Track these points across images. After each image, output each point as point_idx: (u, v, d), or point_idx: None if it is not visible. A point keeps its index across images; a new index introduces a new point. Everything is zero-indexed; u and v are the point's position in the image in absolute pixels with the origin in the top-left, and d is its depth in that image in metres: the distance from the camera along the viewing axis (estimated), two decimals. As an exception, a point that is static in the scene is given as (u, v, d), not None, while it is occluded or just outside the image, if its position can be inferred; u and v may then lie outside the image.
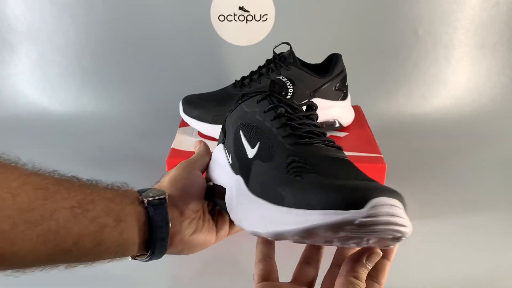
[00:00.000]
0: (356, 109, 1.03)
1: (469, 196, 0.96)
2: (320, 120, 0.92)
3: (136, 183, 0.91)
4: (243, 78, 0.93)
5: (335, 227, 0.36)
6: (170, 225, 0.49)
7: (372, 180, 0.41)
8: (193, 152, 0.86)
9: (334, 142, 0.49)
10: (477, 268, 0.76)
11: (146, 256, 0.50)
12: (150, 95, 1.33)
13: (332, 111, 0.93)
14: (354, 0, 1.31)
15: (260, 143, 0.49)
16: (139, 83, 1.35)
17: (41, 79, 1.36)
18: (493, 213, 0.91)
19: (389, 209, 0.36)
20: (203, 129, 0.92)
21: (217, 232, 0.56)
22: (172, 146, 0.88)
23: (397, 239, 0.38)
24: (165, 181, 0.54)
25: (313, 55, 0.95)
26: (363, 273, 0.43)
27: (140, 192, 0.51)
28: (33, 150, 1.14)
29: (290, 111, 0.52)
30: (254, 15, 1.02)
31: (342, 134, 0.94)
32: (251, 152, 0.49)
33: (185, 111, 0.93)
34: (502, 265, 0.78)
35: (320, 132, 0.50)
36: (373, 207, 0.36)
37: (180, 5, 1.31)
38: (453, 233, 0.85)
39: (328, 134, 0.93)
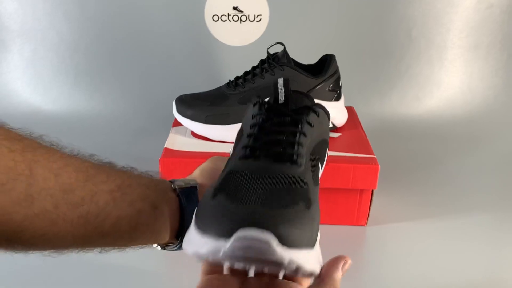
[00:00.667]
0: (350, 110, 1.03)
1: (462, 197, 0.97)
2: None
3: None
4: (237, 78, 0.93)
5: (213, 256, 0.35)
6: None
7: (282, 206, 0.38)
8: (186, 152, 0.86)
9: (290, 155, 0.44)
10: (470, 268, 0.76)
11: (176, 244, 0.50)
12: (144, 94, 1.33)
13: (325, 111, 0.94)
14: (348, 1, 1.31)
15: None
16: (132, 82, 1.34)
17: (33, 77, 1.35)
18: (485, 214, 0.91)
19: (250, 243, 0.34)
20: (196, 129, 0.91)
21: None
22: (165, 146, 0.88)
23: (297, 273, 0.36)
24: (196, 172, 0.54)
25: (307, 56, 0.95)
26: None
27: (172, 181, 0.51)
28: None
29: (269, 117, 0.48)
30: (248, 15, 1.02)
31: (335, 135, 0.94)
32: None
33: (178, 111, 0.93)
34: (495, 265, 0.78)
35: (286, 141, 0.45)
36: (236, 239, 0.34)
37: (174, 4, 1.30)
38: (446, 234, 0.85)
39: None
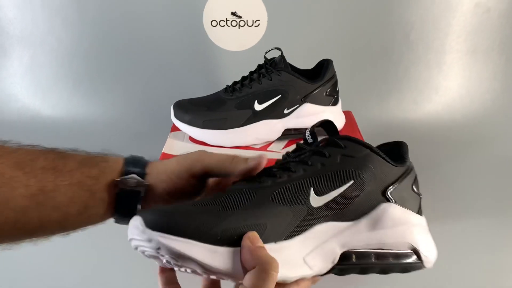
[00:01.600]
0: (347, 114, 1.04)
1: (460, 201, 0.97)
2: (311, 125, 0.93)
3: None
4: (235, 83, 0.93)
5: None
6: (139, 208, 0.50)
7: (194, 211, 0.44)
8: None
9: (256, 180, 0.50)
10: (467, 272, 0.76)
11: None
12: (142, 99, 1.33)
13: (323, 116, 0.94)
14: (345, 6, 1.31)
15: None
16: (131, 87, 1.35)
17: (32, 82, 1.35)
18: (483, 218, 0.91)
19: (130, 228, 0.43)
20: (194, 134, 0.92)
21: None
22: (163, 151, 0.88)
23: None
24: (166, 167, 0.53)
25: (305, 61, 0.96)
26: None
27: (128, 162, 0.51)
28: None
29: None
30: (247, 20, 1.02)
31: (333, 139, 0.94)
32: None
33: (176, 116, 0.93)
34: (492, 268, 0.78)
35: (272, 170, 0.51)
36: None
37: (173, 10, 1.31)
38: (443, 238, 0.85)
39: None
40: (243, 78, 0.93)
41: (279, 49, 0.91)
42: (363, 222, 0.51)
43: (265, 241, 0.45)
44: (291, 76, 0.89)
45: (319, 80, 0.92)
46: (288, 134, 0.93)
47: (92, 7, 1.31)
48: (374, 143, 0.95)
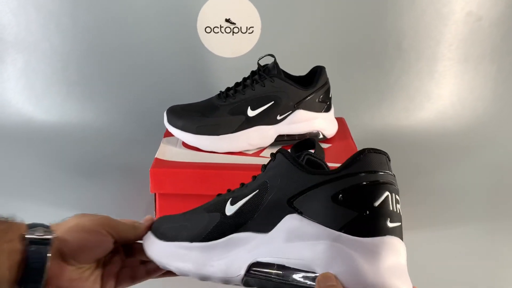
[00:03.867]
0: (340, 121, 1.04)
1: (451, 208, 0.97)
2: (303, 131, 0.94)
3: (120, 192, 0.92)
4: (228, 89, 0.94)
5: None
6: (47, 268, 0.47)
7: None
8: (177, 162, 0.87)
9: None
10: (459, 278, 0.77)
11: None
12: (135, 105, 1.33)
13: (315, 122, 0.94)
14: (338, 14, 1.33)
15: None
16: (124, 93, 1.35)
17: (26, 87, 1.35)
18: (474, 225, 0.92)
19: None
20: (187, 139, 0.92)
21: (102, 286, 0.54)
22: (156, 156, 0.88)
23: None
24: (69, 223, 0.52)
25: (298, 67, 0.96)
26: None
27: (30, 226, 0.49)
28: (17, 160, 1.14)
29: None
30: (241, 27, 1.03)
31: (325, 146, 0.95)
32: None
33: (169, 121, 0.93)
34: (484, 274, 0.79)
35: None
36: None
37: (167, 16, 1.31)
38: (434, 244, 0.86)
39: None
40: (237, 84, 0.94)
41: (272, 55, 0.91)
42: (273, 233, 0.47)
43: (181, 239, 0.52)
44: (284, 83, 0.90)
45: (312, 86, 0.93)
46: (281, 140, 0.93)
47: (86, 12, 1.32)
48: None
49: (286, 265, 0.45)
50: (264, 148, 0.93)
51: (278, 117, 0.92)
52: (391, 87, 1.36)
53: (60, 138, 1.24)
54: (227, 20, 1.04)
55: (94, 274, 0.52)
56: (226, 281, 0.50)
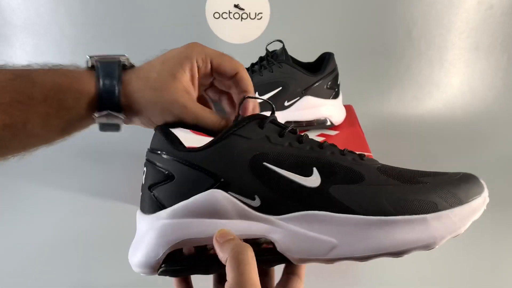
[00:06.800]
0: (348, 108, 1.04)
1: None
2: (311, 118, 0.94)
3: (128, 178, 0.92)
4: (236, 74, 0.93)
5: None
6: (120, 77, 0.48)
7: None
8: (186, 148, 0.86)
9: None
10: (465, 270, 0.77)
11: (100, 115, 0.49)
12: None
13: (323, 109, 0.94)
14: (348, 0, 1.31)
15: (317, 168, 0.45)
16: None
17: (35, 72, 1.35)
18: (484, 215, 0.91)
19: None
20: (194, 125, 0.92)
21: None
22: (163, 141, 0.88)
23: None
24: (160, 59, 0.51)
25: (307, 54, 0.96)
26: None
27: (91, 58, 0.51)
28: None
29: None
30: (249, 13, 1.02)
31: (333, 133, 0.95)
32: (311, 181, 0.45)
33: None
34: (491, 266, 0.79)
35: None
36: None
37: (176, 2, 1.31)
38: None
39: (319, 132, 0.95)
40: (245, 70, 0.94)
41: (280, 41, 0.91)
42: None
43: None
44: (292, 69, 0.90)
45: (320, 73, 0.92)
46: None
47: (95, -3, 1.32)
48: (374, 138, 0.95)
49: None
50: (271, 134, 0.93)
51: (286, 103, 0.91)
52: (400, 75, 1.35)
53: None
54: (236, 6, 1.03)
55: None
56: None
